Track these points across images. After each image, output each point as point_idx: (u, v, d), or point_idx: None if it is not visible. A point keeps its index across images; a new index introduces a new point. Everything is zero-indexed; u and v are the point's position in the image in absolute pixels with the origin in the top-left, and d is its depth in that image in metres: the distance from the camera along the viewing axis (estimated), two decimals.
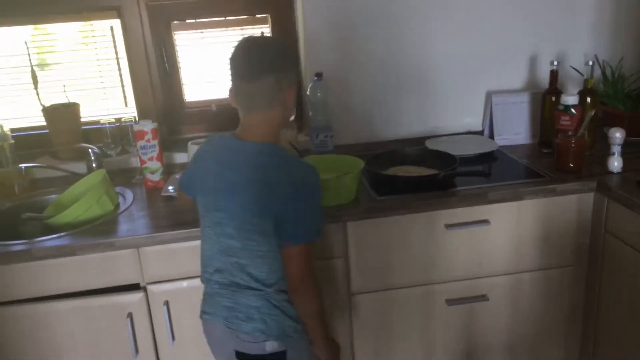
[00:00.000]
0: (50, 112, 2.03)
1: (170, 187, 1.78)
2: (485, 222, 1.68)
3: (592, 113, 1.76)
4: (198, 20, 2.13)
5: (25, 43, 2.00)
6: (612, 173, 1.72)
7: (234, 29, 2.17)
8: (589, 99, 1.87)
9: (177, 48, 2.15)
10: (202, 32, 2.15)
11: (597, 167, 1.76)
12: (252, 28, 2.18)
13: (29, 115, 2.13)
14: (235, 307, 1.30)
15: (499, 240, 1.72)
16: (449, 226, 1.67)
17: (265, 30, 2.17)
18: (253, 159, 1.24)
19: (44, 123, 2.06)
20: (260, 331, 1.28)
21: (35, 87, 2.01)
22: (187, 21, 2.13)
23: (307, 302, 1.30)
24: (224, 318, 1.31)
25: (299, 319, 1.32)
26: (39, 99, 2.02)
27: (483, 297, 1.77)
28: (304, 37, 2.07)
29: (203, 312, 1.37)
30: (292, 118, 1.97)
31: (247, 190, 1.22)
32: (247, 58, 1.21)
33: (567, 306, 1.83)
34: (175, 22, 2.11)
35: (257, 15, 2.16)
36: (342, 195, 1.61)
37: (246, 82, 1.22)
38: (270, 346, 1.28)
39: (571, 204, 1.72)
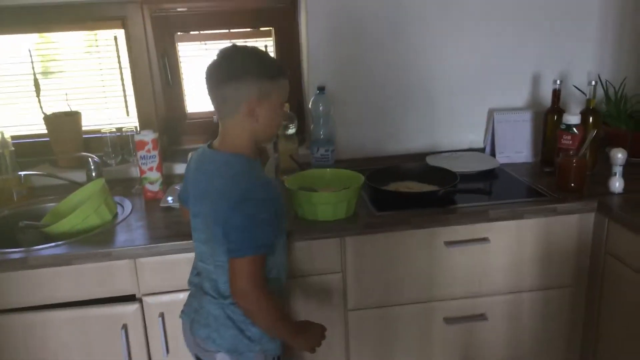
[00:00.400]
0: (51, 120, 2.03)
1: (170, 198, 1.77)
2: (485, 240, 1.67)
3: (594, 133, 1.76)
4: (202, 32, 2.14)
5: (29, 51, 2.01)
6: (614, 194, 1.71)
7: (237, 41, 2.17)
8: (591, 119, 1.86)
9: (181, 59, 2.15)
10: (205, 44, 2.16)
11: (598, 188, 1.75)
12: (256, 41, 2.19)
13: (30, 123, 2.13)
14: (199, 311, 1.33)
15: (499, 258, 1.71)
16: (448, 243, 1.66)
17: (269, 43, 2.17)
18: (218, 169, 1.26)
19: (45, 131, 2.06)
20: (212, 340, 1.29)
21: (38, 95, 2.01)
22: (191, 32, 2.13)
23: (256, 318, 1.25)
24: (190, 320, 1.35)
25: (259, 339, 1.29)
26: (41, 107, 2.02)
27: (482, 317, 1.75)
28: (307, 51, 2.07)
29: (181, 312, 1.41)
30: (291, 131, 1.96)
31: (209, 199, 1.25)
32: (213, 66, 1.23)
33: (566, 327, 1.81)
34: (179, 33, 2.11)
35: (261, 28, 2.17)
36: (341, 210, 1.60)
37: (211, 89, 1.24)
38: (221, 358, 1.29)
39: (572, 224, 1.70)
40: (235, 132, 1.25)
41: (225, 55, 1.22)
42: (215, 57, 1.24)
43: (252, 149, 1.28)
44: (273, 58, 1.29)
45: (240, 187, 1.21)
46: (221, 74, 1.21)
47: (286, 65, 1.27)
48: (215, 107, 1.26)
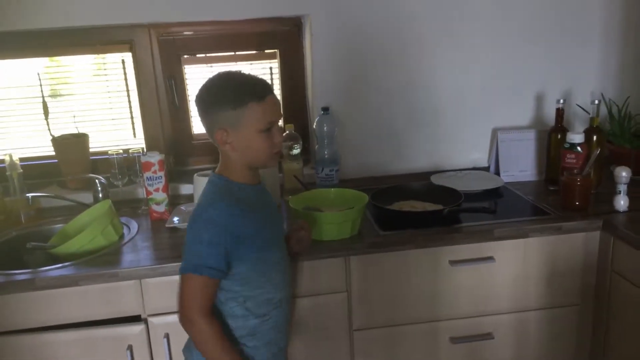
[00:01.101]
0: (59, 142, 2.06)
1: (176, 218, 1.79)
2: (490, 259, 1.67)
3: (598, 151, 1.76)
4: (208, 54, 2.17)
5: (38, 74, 2.04)
6: (618, 212, 1.71)
7: (243, 64, 2.21)
8: (595, 138, 1.87)
9: (187, 81, 2.18)
10: (211, 66, 2.19)
11: (603, 206, 1.75)
12: (261, 63, 2.22)
13: (38, 145, 2.16)
14: None
15: (504, 277, 1.70)
16: (453, 262, 1.65)
17: (274, 65, 2.20)
18: (205, 188, 1.30)
19: (53, 153, 2.08)
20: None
21: (46, 118, 2.04)
22: (198, 55, 2.17)
23: (194, 342, 1.26)
24: None
25: None
26: (49, 129, 2.05)
27: (488, 336, 1.74)
28: (312, 72, 2.10)
29: None
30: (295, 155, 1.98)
31: None
32: (196, 97, 1.26)
33: (573, 346, 1.80)
34: (185, 56, 2.15)
35: (266, 51, 2.20)
36: (346, 229, 1.61)
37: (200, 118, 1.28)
38: None
39: (577, 243, 1.70)
40: (224, 158, 1.29)
41: (202, 87, 1.25)
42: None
43: (245, 174, 1.28)
44: (244, 83, 1.22)
45: (201, 205, 1.24)
46: (198, 105, 1.25)
47: (266, 87, 1.23)
48: None
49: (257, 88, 1.22)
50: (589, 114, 1.93)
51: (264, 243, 1.29)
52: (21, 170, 1.89)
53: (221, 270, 1.22)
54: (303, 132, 2.20)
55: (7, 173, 1.87)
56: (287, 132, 1.98)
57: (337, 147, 2.08)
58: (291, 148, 1.96)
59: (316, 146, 2.07)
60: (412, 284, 1.67)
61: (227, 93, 1.21)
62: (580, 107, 2.15)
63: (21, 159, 1.92)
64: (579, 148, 1.78)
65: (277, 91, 2.23)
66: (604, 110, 2.09)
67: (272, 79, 2.19)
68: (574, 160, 1.78)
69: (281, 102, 2.24)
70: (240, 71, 1.26)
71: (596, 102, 1.88)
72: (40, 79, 2.04)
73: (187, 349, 1.38)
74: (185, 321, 1.24)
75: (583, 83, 2.20)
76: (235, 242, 1.22)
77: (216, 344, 1.23)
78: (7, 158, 1.86)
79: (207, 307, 1.23)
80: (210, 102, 1.22)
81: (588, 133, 1.86)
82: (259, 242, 1.27)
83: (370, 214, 1.77)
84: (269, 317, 1.33)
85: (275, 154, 1.28)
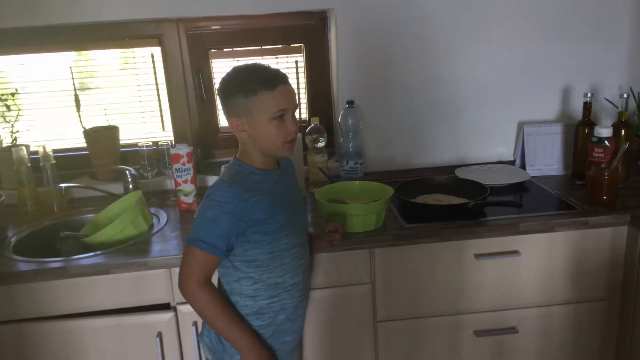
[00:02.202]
0: (90, 134, 2.11)
1: None
2: (515, 252, 1.66)
3: (626, 146, 1.74)
4: (235, 49, 2.20)
5: (70, 68, 2.09)
6: None
7: (269, 58, 2.23)
8: (623, 132, 1.85)
9: (214, 75, 2.21)
10: (238, 60, 2.22)
11: (631, 200, 1.73)
12: (287, 57, 2.24)
13: (70, 137, 2.22)
14: None
15: (530, 271, 1.70)
16: (478, 256, 1.66)
17: (300, 58, 2.22)
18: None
19: (84, 144, 2.13)
20: (202, 337, 1.43)
21: (78, 110, 2.09)
22: (225, 49, 2.20)
23: (193, 308, 1.32)
24: None
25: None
26: (81, 122, 2.10)
27: (512, 330, 1.74)
28: (337, 66, 2.11)
29: None
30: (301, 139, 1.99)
31: None
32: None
33: (599, 341, 1.79)
34: (213, 50, 2.18)
35: (291, 45, 2.22)
36: (370, 221, 1.63)
37: None
38: (205, 355, 1.37)
39: (604, 237, 1.69)
40: (242, 145, 1.35)
41: (222, 79, 1.31)
42: None
43: (262, 160, 1.34)
44: (257, 73, 1.27)
45: (212, 186, 1.31)
46: (219, 95, 1.32)
47: (278, 77, 1.27)
48: None
49: (268, 77, 1.27)
50: (617, 107, 1.91)
51: (276, 228, 1.32)
52: (54, 162, 1.94)
53: (217, 248, 1.27)
54: (328, 125, 2.22)
55: (41, 164, 1.92)
56: (312, 124, 2.00)
57: (362, 140, 2.09)
58: (316, 141, 1.98)
59: (341, 139, 2.08)
60: (436, 276, 1.67)
61: (240, 82, 1.27)
62: (608, 100, 2.12)
63: (53, 150, 1.97)
64: (606, 142, 1.77)
65: (302, 84, 2.25)
66: (632, 104, 2.06)
67: (297, 72, 2.21)
68: (602, 155, 1.77)
69: (306, 95, 2.26)
70: (257, 63, 1.32)
71: (625, 95, 1.86)
72: (72, 73, 2.08)
73: (201, 336, 1.44)
74: (181, 289, 1.31)
75: (611, 77, 2.17)
76: (243, 225, 1.27)
77: (217, 312, 1.30)
78: (40, 149, 1.91)
79: (201, 278, 1.29)
80: (226, 91, 1.29)
81: (616, 127, 1.84)
82: (271, 226, 1.31)
83: (395, 207, 1.78)
84: (278, 300, 1.37)
85: (288, 143, 1.31)
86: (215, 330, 1.35)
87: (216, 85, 2.21)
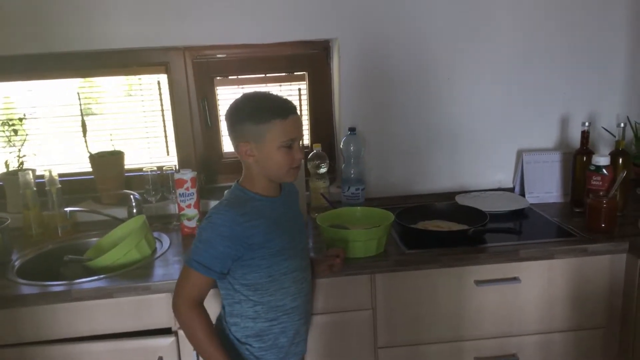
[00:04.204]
0: (96, 159, 2.13)
1: None
2: (515, 279, 1.68)
3: (624, 174, 1.77)
4: (240, 76, 2.24)
5: (78, 94, 2.13)
6: None
7: (273, 85, 2.27)
8: (620, 160, 1.88)
9: (219, 102, 2.25)
10: (242, 87, 2.26)
11: (629, 228, 1.75)
12: (290, 84, 2.28)
13: (76, 162, 2.24)
14: None
15: (530, 298, 1.71)
16: (478, 282, 1.67)
17: (302, 86, 2.26)
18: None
19: (90, 169, 2.16)
20: None
21: (84, 135, 2.12)
22: (230, 77, 2.24)
23: (180, 326, 1.35)
24: None
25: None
26: (87, 146, 2.13)
27: (513, 356, 1.74)
28: (339, 93, 2.15)
29: None
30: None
31: None
32: (225, 113, 1.36)
33: None
34: (218, 77, 2.22)
35: (295, 73, 2.26)
36: (371, 247, 1.64)
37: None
38: None
39: (603, 265, 1.70)
40: (246, 170, 1.38)
41: (232, 104, 1.34)
42: None
43: (264, 186, 1.37)
44: (270, 102, 1.33)
45: (211, 209, 1.33)
46: (227, 120, 1.35)
47: (290, 107, 1.33)
48: None
49: (281, 107, 1.32)
50: (615, 136, 1.93)
51: (274, 252, 1.34)
52: (60, 186, 1.96)
53: (210, 269, 1.29)
54: (330, 151, 2.25)
55: (47, 188, 1.94)
56: (315, 151, 2.03)
57: (363, 166, 2.12)
58: (318, 167, 2.01)
59: (343, 165, 2.11)
60: (437, 303, 1.68)
61: (252, 110, 1.31)
62: (605, 129, 2.15)
63: (59, 175, 1.98)
64: (604, 170, 1.79)
65: (305, 111, 2.28)
66: (629, 133, 2.09)
67: (300, 100, 2.25)
68: (600, 183, 1.79)
69: (309, 122, 2.29)
70: (269, 92, 1.37)
71: (622, 125, 1.89)
72: (80, 98, 2.12)
73: None
74: (173, 308, 1.33)
75: (608, 106, 2.21)
76: (239, 249, 1.30)
77: (201, 336, 1.31)
78: (46, 173, 1.94)
79: (194, 299, 1.31)
80: (237, 117, 1.32)
81: (614, 156, 1.87)
82: (268, 250, 1.33)
83: (395, 233, 1.80)
84: (278, 322, 1.38)
85: (294, 169, 1.36)
86: (200, 354, 1.35)
87: (221, 112, 2.25)
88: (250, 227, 1.30)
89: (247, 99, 1.34)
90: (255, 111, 1.30)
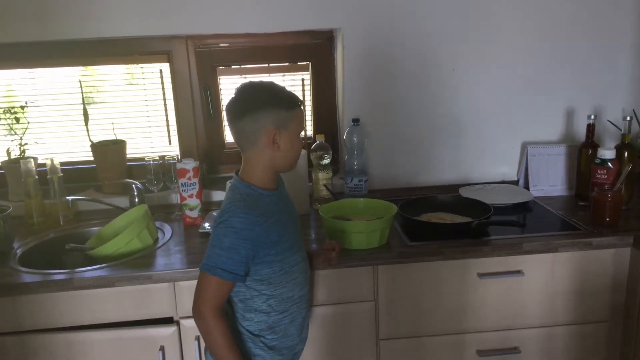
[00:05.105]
0: (98, 148, 2.12)
1: (207, 224, 1.83)
2: (518, 272, 1.67)
3: (629, 168, 1.76)
4: (242, 66, 2.23)
5: (79, 82, 2.12)
6: None
7: (276, 75, 2.26)
8: (626, 154, 1.87)
9: (221, 91, 2.24)
10: (245, 77, 2.24)
11: (634, 222, 1.74)
12: (293, 74, 2.26)
13: (78, 150, 2.24)
14: None
15: (533, 291, 1.70)
16: (481, 275, 1.66)
17: (306, 76, 2.25)
18: (228, 193, 1.36)
19: (91, 158, 2.15)
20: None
21: (86, 124, 2.11)
22: (232, 67, 2.23)
23: (202, 337, 1.32)
24: None
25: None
26: (89, 135, 2.12)
27: (515, 350, 1.74)
28: (342, 84, 2.14)
29: None
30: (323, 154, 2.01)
31: None
32: (231, 102, 1.30)
33: None
34: (221, 67, 2.21)
35: (298, 63, 2.24)
36: (374, 239, 1.63)
37: (231, 124, 1.31)
38: None
39: (607, 259, 1.69)
40: (252, 162, 1.32)
41: (242, 91, 1.29)
42: (233, 94, 1.30)
43: (269, 179, 1.34)
44: (287, 90, 1.30)
45: (224, 210, 1.29)
46: (239, 108, 1.28)
47: (299, 98, 1.32)
48: (235, 140, 1.33)
49: (295, 96, 1.31)
50: (621, 130, 1.92)
51: (286, 247, 1.34)
52: (61, 174, 1.96)
53: (236, 274, 1.27)
54: (333, 142, 2.24)
55: (48, 176, 1.93)
56: (318, 142, 2.02)
57: (367, 157, 2.11)
58: (321, 158, 1.99)
59: (346, 156, 2.10)
60: (439, 295, 1.68)
61: (280, 95, 1.29)
62: (611, 122, 2.14)
63: (61, 163, 1.98)
64: (610, 164, 1.78)
65: (308, 102, 2.27)
66: (635, 126, 2.07)
67: (303, 90, 2.24)
68: (605, 176, 1.78)
69: (312, 113, 2.28)
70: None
71: (628, 118, 1.87)
72: (81, 87, 2.11)
73: (207, 350, 1.43)
74: (195, 314, 1.30)
75: (614, 99, 2.19)
76: (258, 249, 1.28)
77: (222, 341, 1.30)
78: (48, 162, 1.93)
79: (217, 305, 1.29)
80: (262, 102, 1.27)
81: (619, 149, 1.86)
82: (282, 246, 1.33)
83: (398, 225, 1.79)
84: (289, 313, 1.39)
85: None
86: (217, 357, 1.32)
87: (223, 101, 2.24)
88: (268, 227, 1.28)
89: (267, 83, 1.30)
90: (280, 99, 1.28)
